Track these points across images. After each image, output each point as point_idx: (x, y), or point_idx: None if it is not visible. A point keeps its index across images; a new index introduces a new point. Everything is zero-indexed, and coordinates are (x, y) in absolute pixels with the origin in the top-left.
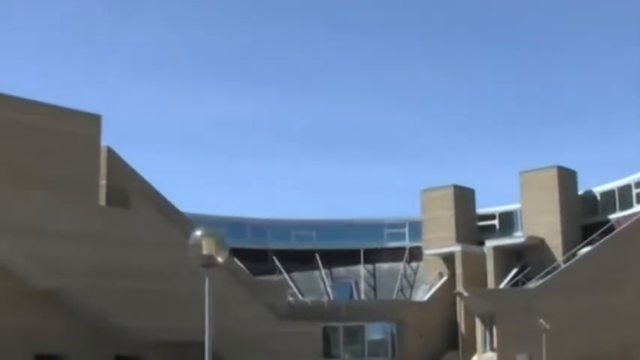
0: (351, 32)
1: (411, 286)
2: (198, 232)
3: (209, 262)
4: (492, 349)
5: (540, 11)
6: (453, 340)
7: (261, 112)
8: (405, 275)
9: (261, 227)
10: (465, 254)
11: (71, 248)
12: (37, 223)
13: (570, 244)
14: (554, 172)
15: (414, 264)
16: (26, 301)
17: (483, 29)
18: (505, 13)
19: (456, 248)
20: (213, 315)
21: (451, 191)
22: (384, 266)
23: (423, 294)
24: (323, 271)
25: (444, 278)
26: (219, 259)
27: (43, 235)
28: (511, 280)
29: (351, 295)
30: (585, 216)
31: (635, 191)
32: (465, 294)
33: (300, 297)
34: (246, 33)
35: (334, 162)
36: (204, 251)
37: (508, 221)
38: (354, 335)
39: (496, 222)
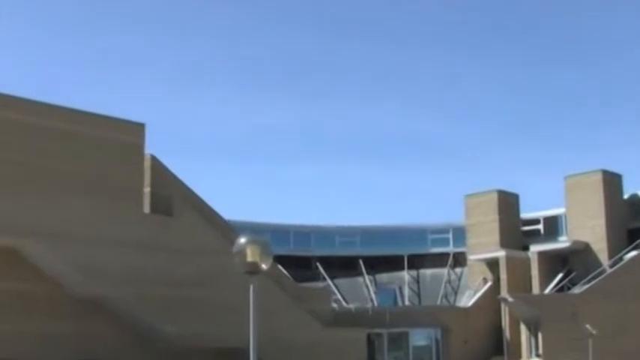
0: (392, 38)
1: (455, 292)
2: (243, 240)
3: (253, 269)
4: (538, 355)
5: (582, 14)
6: (497, 345)
7: (304, 117)
8: (449, 281)
9: (304, 234)
10: (509, 259)
11: (115, 255)
12: (81, 230)
13: (616, 249)
14: (599, 176)
15: (458, 269)
16: (71, 307)
17: (523, 32)
18: (544, 15)
19: (501, 253)
20: (258, 322)
21: (495, 196)
22: (428, 272)
23: (467, 300)
24: (367, 277)
25: (489, 284)
26: (264, 266)
27: (88, 243)
28: (556, 285)
29: (395, 301)
30: (631, 220)
31: None
32: (510, 299)
33: (344, 303)
34: (286, 41)
35: (378, 168)
36: (249, 258)
37: (553, 226)
38: (399, 341)
39: (541, 227)
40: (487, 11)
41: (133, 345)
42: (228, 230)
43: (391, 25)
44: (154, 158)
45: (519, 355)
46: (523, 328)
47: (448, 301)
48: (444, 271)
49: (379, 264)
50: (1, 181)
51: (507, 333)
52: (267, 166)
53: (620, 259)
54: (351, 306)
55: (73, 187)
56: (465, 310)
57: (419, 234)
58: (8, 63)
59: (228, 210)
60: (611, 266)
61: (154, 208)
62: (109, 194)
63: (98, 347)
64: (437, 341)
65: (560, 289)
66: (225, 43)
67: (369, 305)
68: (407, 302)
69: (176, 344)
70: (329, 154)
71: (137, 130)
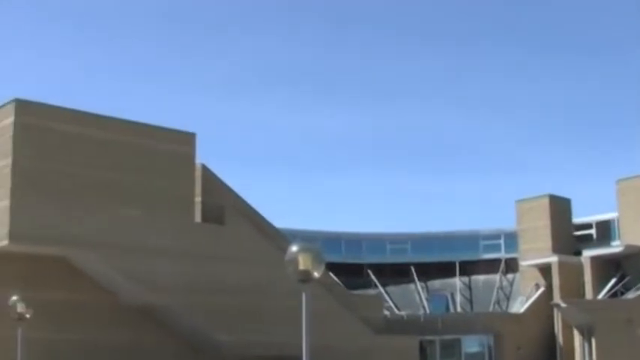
0: (444, 40)
1: (508, 298)
2: (295, 248)
3: (306, 277)
4: None
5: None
6: (551, 352)
7: (354, 124)
8: (501, 287)
9: (356, 241)
10: (561, 265)
11: (167, 265)
12: (133, 240)
13: None
14: None
15: (510, 275)
16: (124, 316)
17: (574, 33)
18: (596, 15)
19: (553, 259)
20: (310, 329)
21: (546, 201)
22: (480, 278)
23: (519, 306)
24: (418, 284)
25: (541, 289)
26: (316, 274)
27: (140, 252)
28: (609, 290)
29: (447, 308)
30: None
31: None
32: (563, 305)
33: (396, 311)
34: (337, 46)
35: (429, 174)
36: (301, 266)
37: (605, 230)
38: (451, 348)
39: (593, 231)
40: (545, 10)
41: (186, 354)
42: (280, 238)
43: (444, 25)
44: (204, 167)
45: None
46: (576, 334)
47: (500, 308)
48: (495, 277)
49: (431, 271)
50: (54, 192)
51: (560, 339)
52: (317, 174)
53: None
54: (403, 313)
55: (125, 197)
56: (518, 317)
57: (470, 240)
58: (52, 73)
59: (279, 218)
60: None
61: (206, 217)
62: (161, 204)
63: (151, 356)
64: (489, 348)
65: (614, 294)
66: (277, 49)
67: (421, 312)
68: (459, 309)
69: (229, 353)
70: (379, 160)
71: (188, 139)
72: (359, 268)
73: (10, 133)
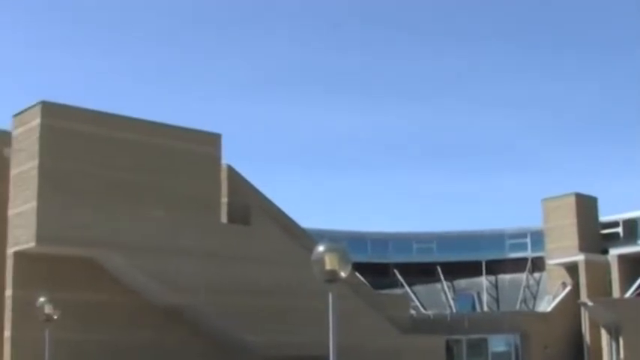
0: (460, 38)
1: (534, 297)
2: (321, 248)
3: (332, 277)
4: None
5: None
6: (578, 351)
7: (381, 124)
8: (527, 286)
9: (382, 241)
10: (588, 263)
11: (193, 265)
12: (159, 240)
13: None
14: None
15: (536, 274)
16: (150, 317)
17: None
18: (615, 13)
19: (580, 257)
20: (337, 329)
21: (573, 200)
22: (506, 277)
23: (546, 305)
24: (445, 283)
25: (568, 288)
26: (343, 274)
27: (166, 253)
28: (637, 289)
29: (474, 307)
30: None
31: None
32: (590, 304)
33: (422, 310)
34: (357, 46)
35: (454, 173)
36: (328, 266)
37: (632, 229)
38: (478, 347)
39: (620, 230)
40: (564, 9)
41: (213, 354)
42: (306, 238)
43: (459, 23)
44: (230, 168)
45: None
46: (603, 332)
47: (527, 307)
48: (522, 276)
49: (457, 270)
50: (80, 194)
51: (587, 338)
52: (343, 174)
53: None
54: (430, 312)
55: (151, 198)
56: (545, 316)
57: (496, 239)
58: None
59: (305, 218)
60: None
61: (232, 218)
62: (187, 205)
63: (178, 356)
64: (516, 347)
65: None
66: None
67: (448, 311)
68: (485, 308)
69: (257, 353)
70: (405, 160)
71: (213, 140)
72: (385, 268)
73: (36, 135)
